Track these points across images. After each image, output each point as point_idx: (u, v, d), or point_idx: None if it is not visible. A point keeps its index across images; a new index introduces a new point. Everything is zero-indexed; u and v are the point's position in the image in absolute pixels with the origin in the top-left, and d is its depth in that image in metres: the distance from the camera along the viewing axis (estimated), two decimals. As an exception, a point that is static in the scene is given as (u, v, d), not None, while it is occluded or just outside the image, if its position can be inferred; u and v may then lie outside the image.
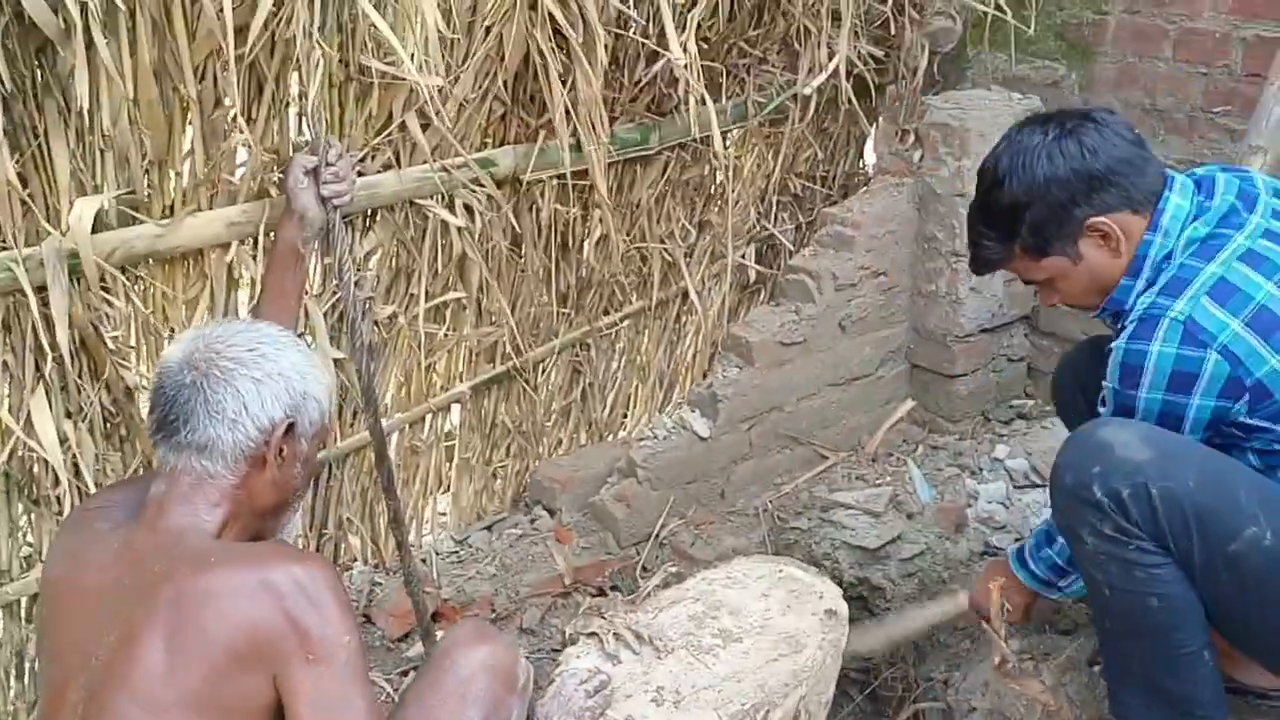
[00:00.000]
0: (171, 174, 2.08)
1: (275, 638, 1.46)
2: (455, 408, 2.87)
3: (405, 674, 2.48)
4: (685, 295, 3.18)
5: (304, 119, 2.15)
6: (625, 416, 3.28)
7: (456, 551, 2.95)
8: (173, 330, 2.16)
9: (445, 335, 2.67)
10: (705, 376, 3.18)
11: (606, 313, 3.07)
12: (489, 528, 3.03)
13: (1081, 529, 1.85)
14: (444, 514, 3.03)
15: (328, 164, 2.03)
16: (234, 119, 2.01)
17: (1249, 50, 2.79)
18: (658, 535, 2.98)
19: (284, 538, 1.81)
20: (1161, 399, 1.81)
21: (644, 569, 2.90)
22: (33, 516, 2.08)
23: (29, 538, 2.10)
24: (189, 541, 1.55)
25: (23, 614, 2.12)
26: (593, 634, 2.09)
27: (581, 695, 1.93)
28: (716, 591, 2.25)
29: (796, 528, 2.97)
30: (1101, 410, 1.93)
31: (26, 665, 2.15)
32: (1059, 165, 1.89)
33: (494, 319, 2.76)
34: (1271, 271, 1.81)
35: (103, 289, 2.01)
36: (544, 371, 3.00)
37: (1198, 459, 1.79)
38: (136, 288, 2.09)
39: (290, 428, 1.62)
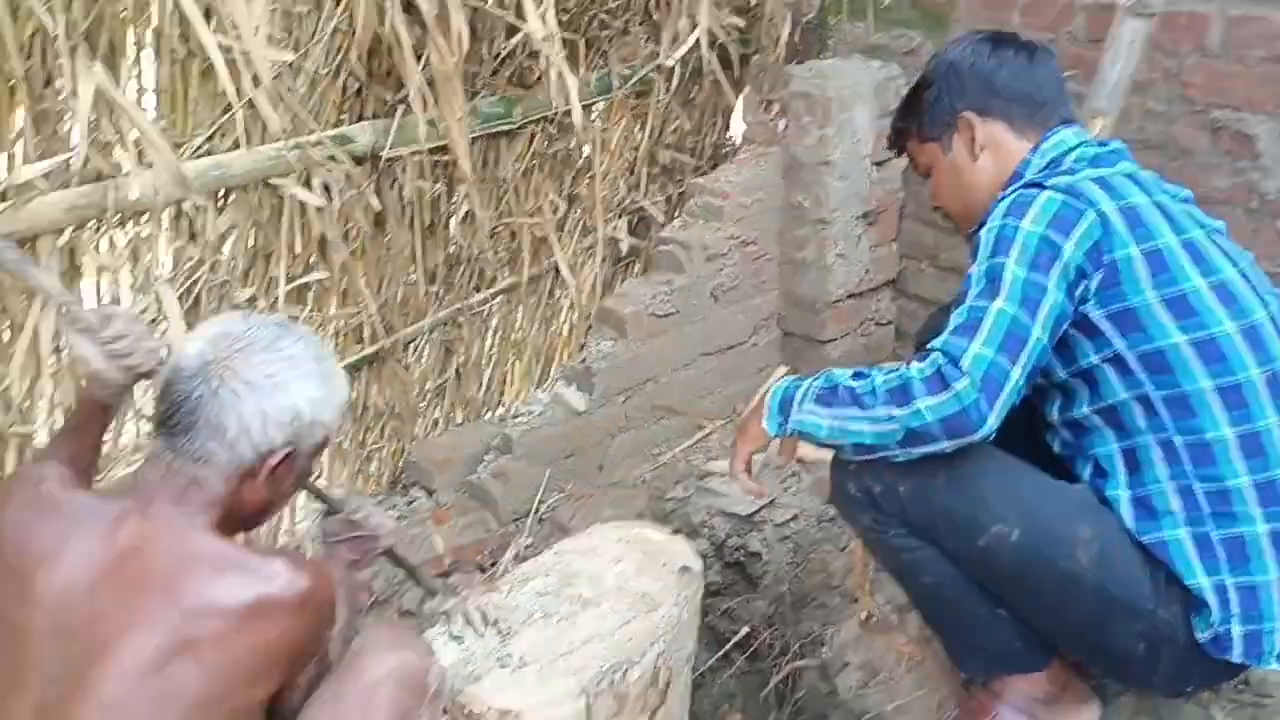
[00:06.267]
0: (3, 156, 1.99)
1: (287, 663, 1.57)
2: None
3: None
4: (558, 270, 3.17)
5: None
6: (501, 394, 3.27)
7: (333, 537, 2.90)
8: (11, 323, 2.07)
9: (309, 317, 2.61)
10: (580, 350, 3.17)
11: (478, 289, 3.05)
12: (365, 512, 2.98)
13: (850, 516, 2.01)
14: (366, 497, 2.98)
15: (103, 341, 1.73)
16: (64, 99, 1.92)
17: (1090, 17, 2.88)
18: (537, 511, 2.97)
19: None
20: (1040, 235, 1.77)
21: (526, 546, 2.89)
22: None
23: None
24: (198, 543, 1.56)
25: None
26: (444, 613, 2.09)
27: None
28: (572, 562, 2.26)
29: (673, 498, 3.00)
30: (953, 314, 1.83)
31: None
32: (966, 58, 1.99)
33: (358, 299, 2.71)
34: (1154, 190, 1.87)
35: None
36: (415, 351, 2.97)
37: (954, 460, 1.79)
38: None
39: (289, 455, 1.60)
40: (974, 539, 1.82)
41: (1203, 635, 1.80)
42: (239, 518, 1.65)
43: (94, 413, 1.81)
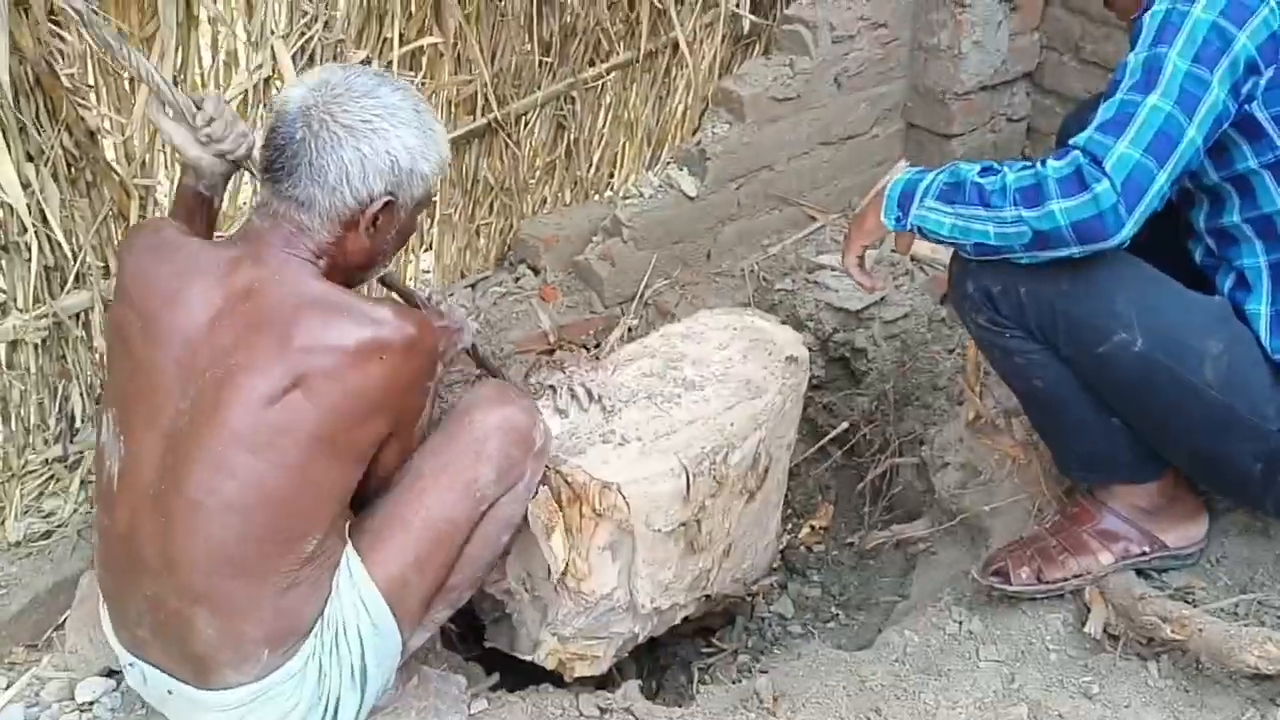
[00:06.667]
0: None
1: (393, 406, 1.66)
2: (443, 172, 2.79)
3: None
4: (675, 46, 3.03)
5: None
6: (611, 175, 3.20)
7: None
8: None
9: (421, 84, 2.56)
10: (694, 133, 3.08)
11: (592, 64, 2.94)
12: (473, 285, 3.01)
13: (965, 316, 1.91)
14: (427, 272, 3.01)
15: (195, 126, 1.77)
16: None
17: None
18: (642, 295, 2.96)
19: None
20: (1211, 22, 1.61)
21: (629, 329, 2.90)
22: (2, 263, 2.05)
23: (0, 284, 2.07)
24: (309, 287, 1.61)
25: (2, 360, 2.12)
26: (551, 387, 2.12)
27: None
28: (677, 345, 2.26)
29: (782, 289, 2.96)
30: (1101, 107, 1.69)
31: (11, 411, 2.17)
32: None
33: (472, 67, 2.64)
34: None
35: (53, 22, 1.90)
36: (527, 125, 2.90)
37: (1080, 264, 1.69)
38: (89, 23, 1.98)
39: (388, 204, 1.64)
40: (1094, 346, 1.75)
41: None
42: (343, 270, 1.69)
43: (196, 205, 1.86)
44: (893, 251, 2.88)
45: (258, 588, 1.62)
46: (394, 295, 2.14)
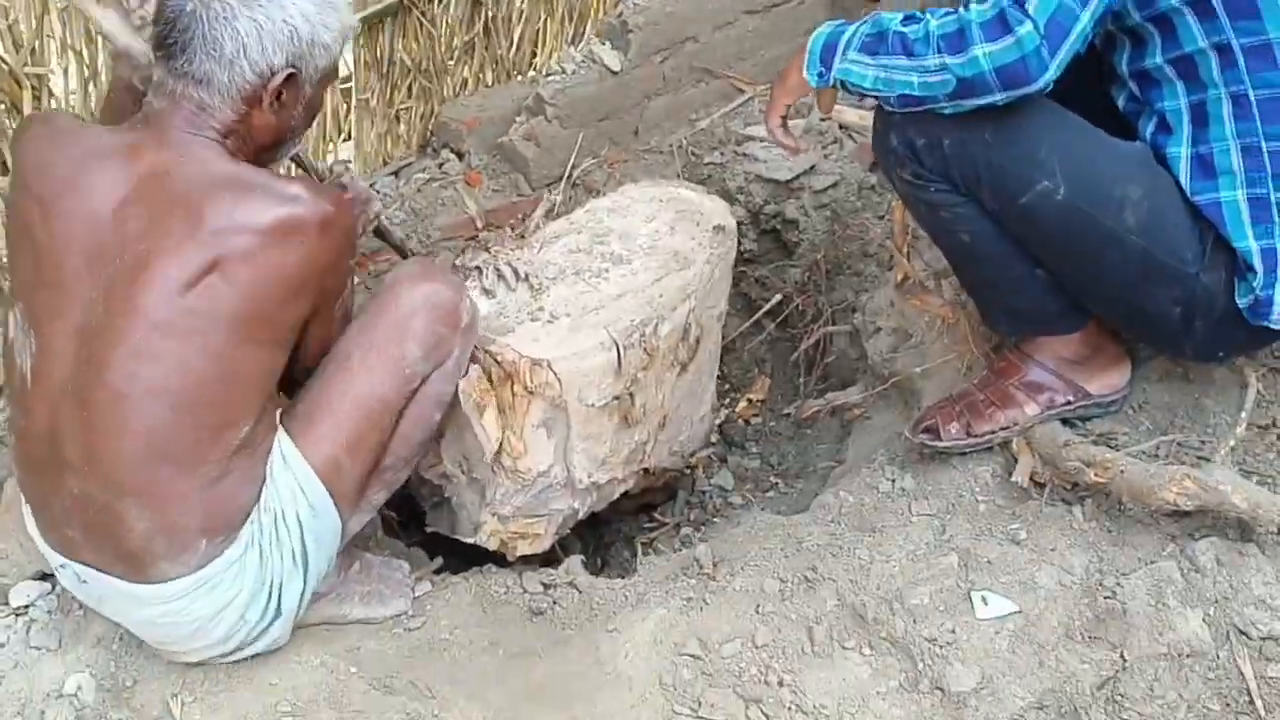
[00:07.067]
0: None
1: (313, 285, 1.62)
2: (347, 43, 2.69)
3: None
4: (593, -86, 2.94)
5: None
6: (534, 54, 3.11)
7: (364, 197, 2.87)
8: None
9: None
10: (616, 5, 2.99)
11: (507, -66, 2.84)
12: (396, 173, 2.95)
13: (890, 172, 1.88)
14: (347, 161, 2.93)
15: (129, 9, 1.75)
16: None
17: None
18: (570, 175, 2.92)
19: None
20: None
21: (553, 204, 2.85)
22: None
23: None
24: (218, 167, 1.57)
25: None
26: (476, 268, 2.09)
27: None
28: (603, 220, 2.23)
29: (711, 163, 2.93)
30: None
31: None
32: None
33: (379, -61, 2.54)
34: None
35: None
36: (441, 2, 2.80)
37: (1003, 113, 1.69)
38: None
39: (291, 76, 1.59)
40: (1017, 196, 1.75)
41: (1243, 300, 1.76)
42: (252, 149, 1.64)
43: (129, 101, 1.77)
44: (822, 120, 2.85)
45: (188, 477, 1.60)
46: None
